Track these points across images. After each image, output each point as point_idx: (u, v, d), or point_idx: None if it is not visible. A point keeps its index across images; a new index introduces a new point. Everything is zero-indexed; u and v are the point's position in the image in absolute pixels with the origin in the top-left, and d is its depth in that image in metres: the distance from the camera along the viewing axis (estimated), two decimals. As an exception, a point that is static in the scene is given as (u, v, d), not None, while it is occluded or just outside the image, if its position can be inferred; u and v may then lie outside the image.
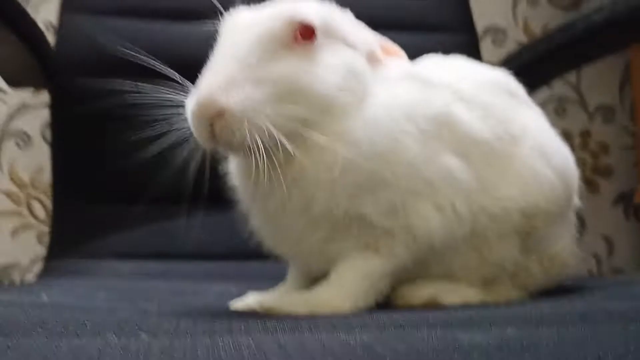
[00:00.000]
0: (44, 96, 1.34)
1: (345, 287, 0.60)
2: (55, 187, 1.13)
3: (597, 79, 1.60)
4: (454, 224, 0.61)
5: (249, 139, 0.53)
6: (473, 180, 0.62)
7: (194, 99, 0.55)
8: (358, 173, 0.57)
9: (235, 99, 0.53)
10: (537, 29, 1.56)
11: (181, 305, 0.64)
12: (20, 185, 1.35)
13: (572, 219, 0.73)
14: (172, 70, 0.61)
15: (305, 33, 0.58)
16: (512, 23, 1.57)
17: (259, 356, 0.36)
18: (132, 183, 1.09)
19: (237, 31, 0.59)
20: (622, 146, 1.60)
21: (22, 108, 1.36)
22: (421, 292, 0.64)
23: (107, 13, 1.13)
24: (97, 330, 0.43)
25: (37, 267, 1.31)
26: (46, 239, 1.23)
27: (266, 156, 0.54)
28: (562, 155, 0.70)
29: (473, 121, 0.64)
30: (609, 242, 1.58)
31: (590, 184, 1.57)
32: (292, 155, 0.55)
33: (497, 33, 1.56)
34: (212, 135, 0.54)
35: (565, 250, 0.71)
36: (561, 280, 0.72)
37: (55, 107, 1.12)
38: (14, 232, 1.34)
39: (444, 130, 0.61)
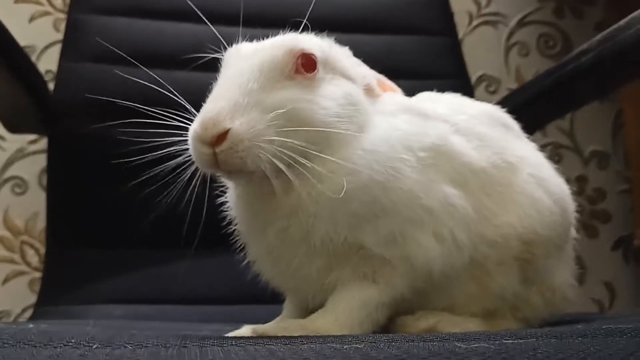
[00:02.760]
0: (42, 143, 1.35)
1: (341, 316, 0.58)
2: (49, 232, 1.12)
3: (590, 126, 1.62)
4: (453, 254, 0.60)
5: (251, 163, 0.53)
6: (471, 209, 0.62)
7: (197, 122, 0.55)
8: (358, 202, 0.57)
9: (239, 122, 0.53)
10: (528, 77, 1.59)
11: (179, 334, 0.63)
12: (14, 231, 1.34)
13: (571, 252, 0.73)
14: (181, 97, 0.63)
15: (307, 64, 0.59)
16: (504, 72, 1.60)
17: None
18: (124, 228, 1.08)
19: (239, 60, 0.60)
20: (618, 191, 1.60)
21: (20, 154, 1.37)
22: (420, 323, 0.63)
23: (105, 60, 1.15)
24: (103, 343, 0.42)
25: (28, 315, 1.28)
26: (38, 287, 1.21)
27: (267, 183, 0.55)
28: (559, 185, 0.70)
29: (470, 151, 0.64)
30: (609, 287, 1.56)
31: (589, 229, 1.56)
32: (291, 184, 0.56)
33: (491, 81, 1.59)
34: (214, 158, 0.54)
35: (564, 283, 0.70)
36: (561, 314, 0.71)
37: (52, 152, 1.13)
38: (6, 280, 1.32)
39: (441, 160, 0.61)
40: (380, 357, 0.35)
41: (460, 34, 1.48)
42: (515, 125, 0.74)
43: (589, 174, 1.60)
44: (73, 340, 0.43)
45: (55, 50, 1.38)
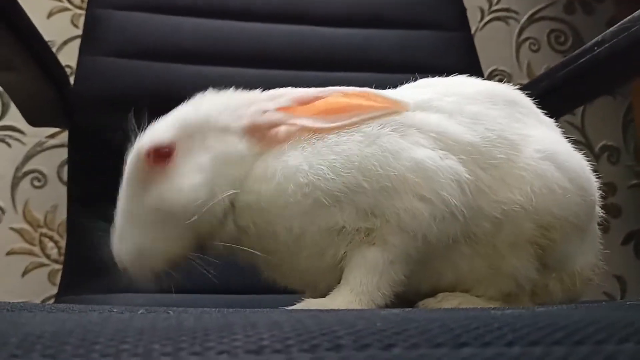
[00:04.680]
0: (60, 137, 1.37)
1: (355, 285, 0.58)
2: (70, 222, 1.13)
3: (601, 121, 1.63)
4: (445, 214, 0.58)
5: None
6: (463, 170, 0.60)
7: None
8: (293, 202, 0.58)
9: (125, 252, 0.60)
10: (539, 72, 1.60)
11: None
12: (33, 224, 1.35)
13: (596, 231, 0.71)
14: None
15: (157, 156, 0.60)
16: (515, 67, 1.62)
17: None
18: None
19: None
20: (629, 186, 1.61)
21: (39, 148, 1.39)
22: (443, 304, 0.63)
23: (124, 55, 1.17)
24: (122, 309, 0.43)
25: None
26: (57, 279, 1.23)
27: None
28: (575, 161, 0.67)
29: (449, 124, 0.62)
30: (621, 281, 1.57)
31: (600, 224, 1.57)
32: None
33: (502, 76, 1.60)
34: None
35: (587, 266, 0.68)
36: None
37: (72, 145, 1.14)
38: (26, 271, 1.34)
39: (412, 131, 0.60)
40: (420, 319, 0.36)
41: (472, 30, 1.50)
42: (525, 101, 0.70)
43: (600, 168, 1.59)
44: (115, 309, 0.44)
45: (74, 46, 1.40)
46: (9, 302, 0.45)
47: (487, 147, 0.62)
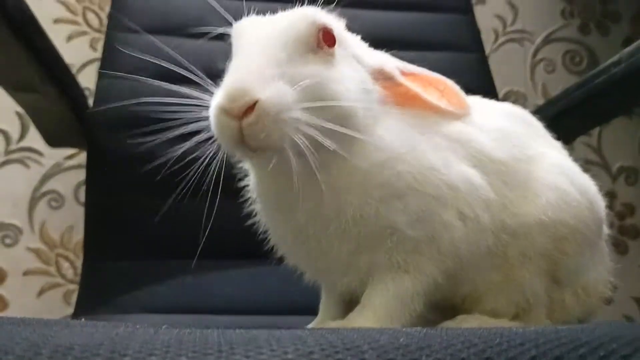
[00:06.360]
0: (78, 158, 1.39)
1: (378, 311, 0.58)
2: (86, 243, 1.14)
3: (618, 141, 1.62)
4: (477, 235, 0.60)
5: (277, 140, 0.50)
6: (491, 191, 0.62)
7: (222, 93, 0.51)
8: (386, 175, 0.57)
9: (268, 93, 0.50)
10: (554, 93, 1.60)
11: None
12: (50, 244, 1.36)
13: (605, 249, 0.72)
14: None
15: (327, 38, 0.56)
16: (530, 88, 1.62)
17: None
18: (160, 240, 1.10)
19: (260, 32, 0.55)
20: (647, 207, 1.60)
21: (57, 169, 1.40)
22: (462, 326, 0.63)
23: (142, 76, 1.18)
24: (145, 325, 0.43)
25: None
26: (73, 299, 1.24)
27: (299, 159, 0.52)
28: (584, 178, 0.70)
29: (486, 140, 0.64)
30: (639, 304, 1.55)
31: (619, 246, 1.55)
32: (323, 162, 0.53)
33: (517, 97, 1.61)
34: (240, 133, 0.50)
35: (599, 281, 0.69)
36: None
37: (90, 165, 1.16)
38: (42, 291, 1.35)
39: (456, 145, 0.62)
40: (444, 335, 0.36)
41: (487, 51, 1.50)
42: (537, 123, 0.73)
43: (618, 189, 1.60)
44: (139, 325, 0.44)
45: (92, 69, 1.43)
46: (35, 318, 0.46)
47: (513, 164, 0.64)
